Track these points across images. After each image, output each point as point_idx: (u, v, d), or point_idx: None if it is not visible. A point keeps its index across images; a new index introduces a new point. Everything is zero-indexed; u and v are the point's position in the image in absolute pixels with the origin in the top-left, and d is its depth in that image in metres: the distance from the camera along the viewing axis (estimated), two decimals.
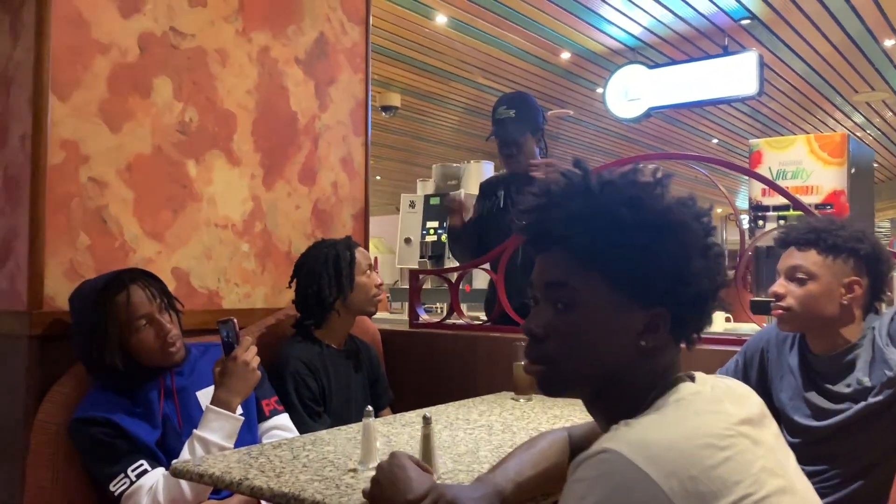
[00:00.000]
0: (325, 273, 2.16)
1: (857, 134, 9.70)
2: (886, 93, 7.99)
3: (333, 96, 2.76)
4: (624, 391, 0.89)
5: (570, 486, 0.77)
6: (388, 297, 5.53)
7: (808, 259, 1.64)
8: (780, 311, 1.66)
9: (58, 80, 1.95)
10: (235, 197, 2.40)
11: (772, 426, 0.90)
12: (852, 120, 9.15)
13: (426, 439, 1.27)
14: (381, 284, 2.28)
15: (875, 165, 10.81)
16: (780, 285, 1.67)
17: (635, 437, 0.78)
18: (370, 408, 1.38)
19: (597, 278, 0.87)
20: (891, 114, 8.95)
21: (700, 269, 0.86)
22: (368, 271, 2.23)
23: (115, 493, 1.61)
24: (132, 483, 1.61)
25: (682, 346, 0.92)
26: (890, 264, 1.66)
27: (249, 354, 1.74)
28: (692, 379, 0.90)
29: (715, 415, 0.83)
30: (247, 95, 2.44)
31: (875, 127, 9.56)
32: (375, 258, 4.76)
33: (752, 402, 0.90)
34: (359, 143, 2.88)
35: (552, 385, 0.91)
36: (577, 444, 1.19)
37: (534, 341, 0.91)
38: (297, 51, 2.62)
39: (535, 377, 0.92)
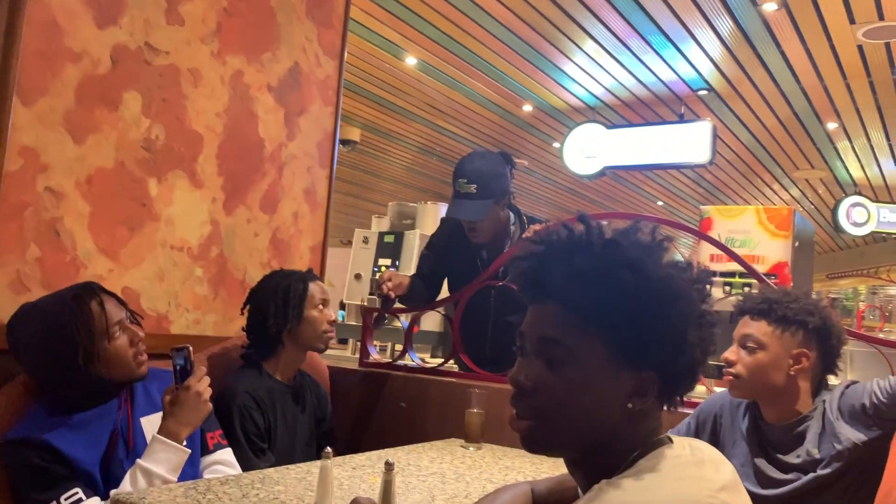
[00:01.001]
0: (272, 303, 2.12)
1: (794, 207, 10.10)
2: (824, 171, 8.37)
3: (302, 126, 2.75)
4: (607, 452, 0.88)
5: None
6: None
7: (759, 329, 1.68)
8: (730, 378, 1.70)
9: (24, 85, 1.88)
10: (194, 219, 2.35)
11: (744, 493, 0.90)
12: (790, 193, 9.55)
13: (387, 486, 1.24)
14: (334, 321, 2.23)
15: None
16: (731, 352, 1.70)
17: (619, 501, 0.77)
18: (329, 449, 1.34)
19: (593, 338, 0.86)
20: (825, 190, 9.36)
21: (695, 338, 0.87)
22: (321, 306, 2.18)
23: None
24: None
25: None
26: (840, 339, 1.70)
27: (203, 385, 1.68)
28: (671, 441, 0.90)
29: (697, 480, 0.83)
30: (216, 118, 2.41)
31: (810, 202, 9.99)
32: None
33: (727, 468, 0.91)
34: (323, 176, 2.86)
35: (536, 442, 0.89)
36: (541, 501, 1.18)
37: (521, 394, 0.89)
38: (270, 78, 2.60)
39: (520, 432, 0.89)
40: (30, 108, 1.90)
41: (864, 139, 7.14)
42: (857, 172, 8.48)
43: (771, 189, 9.35)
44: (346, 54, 2.95)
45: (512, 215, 2.71)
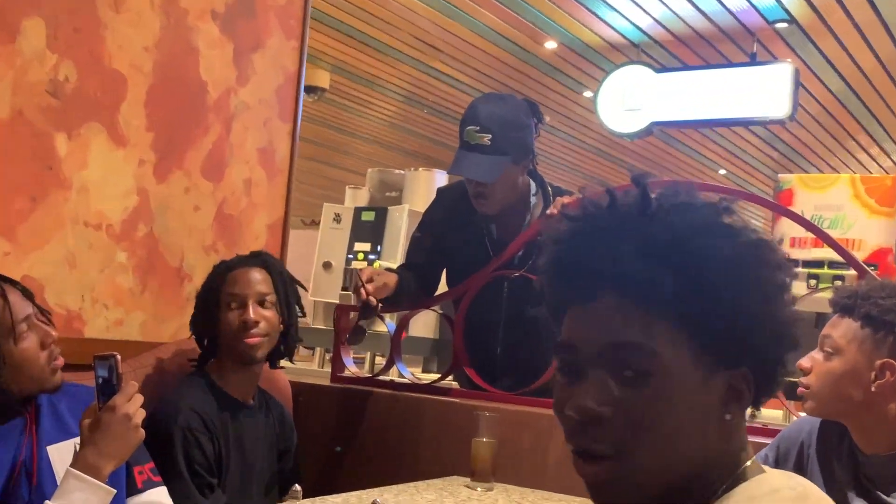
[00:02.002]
0: (199, 300, 2.22)
1: None
2: None
3: (257, 66, 2.75)
4: (699, 484, 0.88)
5: None
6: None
7: (841, 329, 1.70)
8: (802, 389, 1.72)
9: None
10: (116, 188, 2.36)
11: None
12: (892, 159, 9.55)
13: None
14: (248, 320, 2.15)
15: None
16: (808, 357, 1.74)
17: None
18: (298, 487, 1.34)
19: (674, 333, 0.85)
20: None
21: (787, 318, 0.89)
22: (229, 301, 2.15)
23: None
24: None
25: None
26: None
27: (133, 406, 1.67)
28: (762, 469, 0.91)
29: None
30: (143, 53, 2.41)
31: None
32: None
33: None
34: (284, 132, 2.87)
35: (618, 488, 0.87)
36: None
37: (592, 425, 0.86)
38: (214, 2, 2.61)
39: (594, 478, 0.87)
40: None
41: None
42: None
43: (868, 154, 9.36)
44: None
45: (533, 185, 2.71)
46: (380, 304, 2.52)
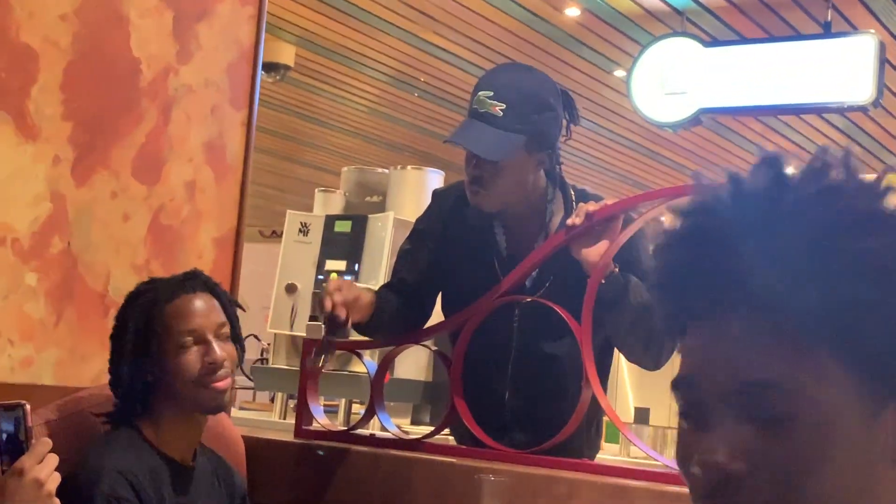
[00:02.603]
0: (122, 345, 2.16)
1: None
2: None
3: (203, 39, 2.78)
4: None
5: None
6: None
7: None
8: None
9: None
10: (24, 192, 2.39)
11: None
12: None
13: None
14: (217, 360, 2.18)
15: None
16: None
17: None
18: None
19: (827, 363, 0.83)
20: None
21: None
22: (184, 339, 2.16)
23: None
24: None
25: None
26: None
27: (45, 470, 1.69)
28: None
29: None
30: (60, 23, 2.44)
31: None
32: None
33: None
34: (237, 121, 2.89)
35: None
36: None
37: (723, 486, 0.84)
38: None
39: None
40: None
41: None
42: None
43: None
44: None
45: (553, 189, 2.71)
46: (348, 322, 2.51)
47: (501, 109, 2.53)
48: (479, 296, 2.62)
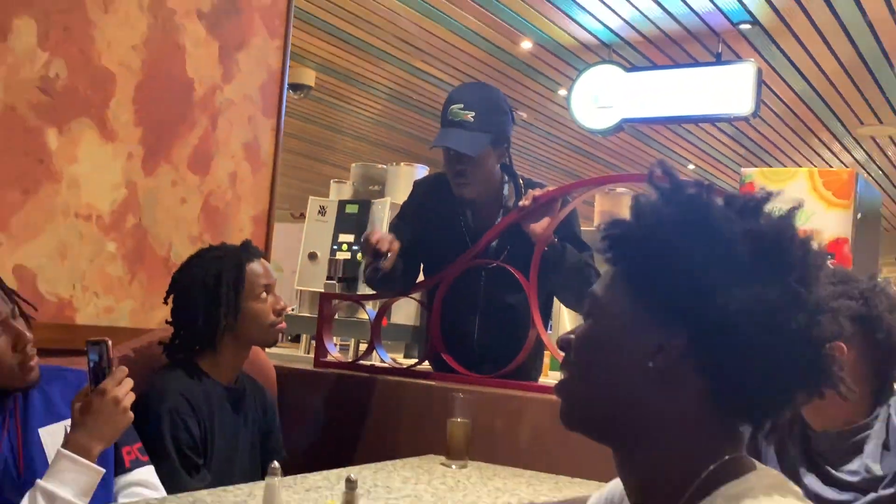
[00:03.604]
0: (201, 297, 2.11)
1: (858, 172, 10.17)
2: (895, 127, 8.44)
3: (242, 65, 2.75)
4: (650, 440, 0.92)
5: None
6: None
7: None
8: None
9: None
10: (105, 181, 2.36)
11: None
12: (852, 155, 9.62)
13: None
14: (283, 309, 2.22)
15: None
16: None
17: None
18: (276, 464, 1.35)
19: (621, 284, 0.96)
20: (895, 151, 9.45)
21: (746, 302, 0.87)
22: (264, 294, 2.17)
23: None
24: None
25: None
26: (890, 333, 1.69)
27: (122, 389, 1.68)
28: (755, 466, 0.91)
29: None
30: (132, 52, 2.40)
31: (877, 166, 10.08)
32: None
33: None
34: (268, 127, 2.86)
35: (571, 400, 0.99)
36: None
37: (565, 346, 1.01)
38: (200, 2, 2.60)
39: (556, 393, 1.01)
40: None
41: None
42: None
43: (830, 150, 9.43)
44: None
45: (507, 178, 2.71)
46: (387, 255, 2.47)
47: (472, 116, 2.53)
48: (452, 260, 2.62)
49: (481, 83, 2.82)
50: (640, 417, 0.92)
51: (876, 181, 10.61)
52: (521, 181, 2.71)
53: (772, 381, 0.89)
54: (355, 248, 5.04)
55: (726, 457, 0.89)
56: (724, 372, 0.89)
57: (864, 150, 9.45)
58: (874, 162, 9.92)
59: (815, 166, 9.70)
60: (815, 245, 0.92)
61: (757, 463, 0.91)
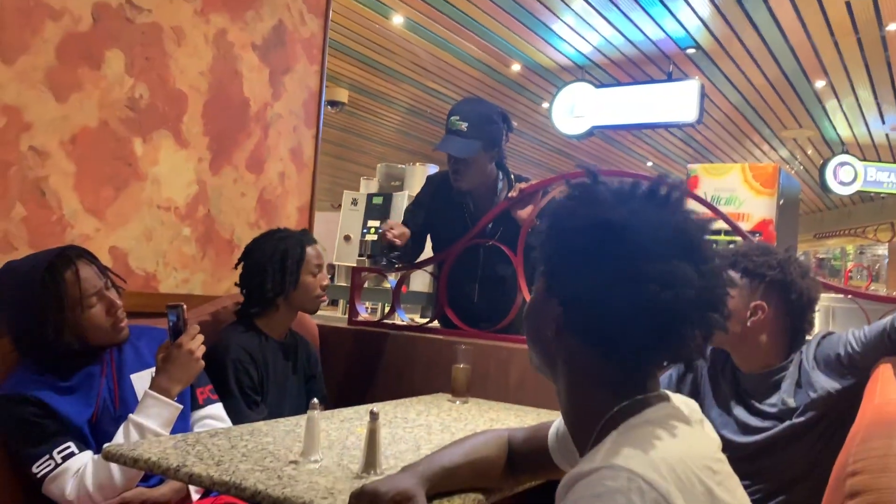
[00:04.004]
0: (270, 267, 2.12)
1: (782, 167, 10.13)
2: (812, 131, 8.38)
3: (287, 85, 2.73)
4: (569, 388, 0.91)
5: None
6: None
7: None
8: None
9: (3, 42, 1.87)
10: (180, 179, 2.35)
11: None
12: (778, 153, 9.56)
13: (372, 434, 1.27)
14: (327, 286, 2.24)
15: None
16: None
17: (637, 453, 0.76)
18: (316, 400, 1.36)
19: (540, 269, 0.95)
20: (813, 150, 9.38)
21: (601, 278, 0.84)
22: (316, 271, 2.19)
23: (38, 475, 1.55)
24: (57, 465, 1.55)
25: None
26: (804, 294, 1.69)
27: (195, 343, 1.70)
28: (667, 398, 0.89)
29: (705, 439, 0.86)
30: (200, 77, 2.39)
31: (798, 162, 10.02)
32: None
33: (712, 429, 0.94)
34: (309, 136, 2.85)
35: (529, 355, 0.99)
36: (518, 446, 1.21)
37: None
38: (254, 36, 2.58)
39: None
40: (10, 65, 1.88)
41: (852, 97, 7.14)
42: (844, 131, 8.49)
43: (760, 150, 9.37)
44: (331, 12, 2.92)
45: (501, 174, 2.71)
46: (397, 242, 2.54)
47: (465, 126, 2.52)
48: (457, 239, 2.63)
49: (478, 99, 2.78)
50: (558, 370, 0.92)
51: (797, 175, 10.55)
52: (513, 176, 2.71)
53: (634, 341, 0.85)
54: (380, 230, 5.05)
55: (638, 397, 0.86)
56: (595, 334, 0.87)
57: (787, 150, 9.38)
58: (796, 158, 9.86)
59: (748, 162, 9.66)
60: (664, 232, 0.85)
61: (667, 399, 0.88)
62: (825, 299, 3.75)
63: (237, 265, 2.19)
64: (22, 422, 1.57)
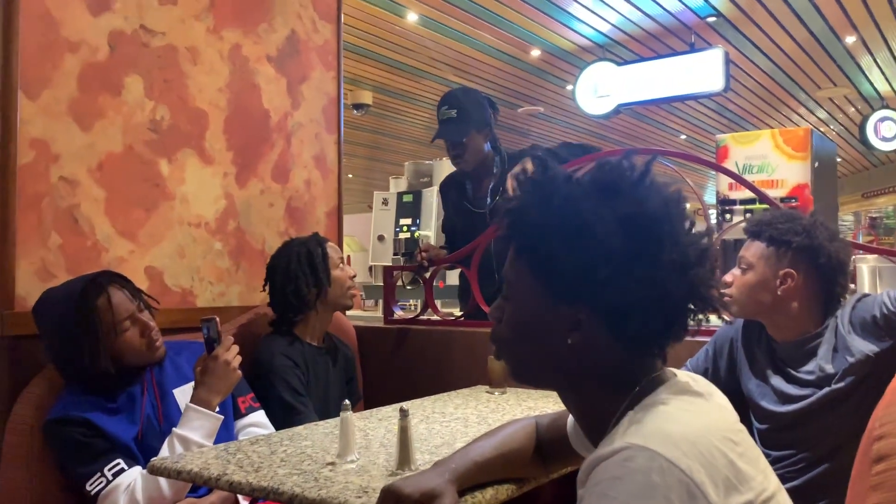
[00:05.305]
0: (300, 272, 2.16)
1: (821, 129, 9.88)
2: (848, 88, 8.15)
3: (306, 94, 2.76)
4: (583, 388, 0.89)
5: (592, 490, 0.73)
6: (361, 295, 5.52)
7: (751, 250, 1.72)
8: (727, 298, 1.73)
9: (27, 78, 1.93)
10: (208, 195, 2.39)
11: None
12: (816, 115, 9.32)
13: (403, 432, 1.29)
14: (354, 276, 2.29)
15: (838, 160, 11.02)
16: (730, 274, 1.74)
17: (655, 431, 0.75)
18: (347, 402, 1.39)
19: (525, 271, 0.88)
20: (853, 109, 9.13)
21: (644, 276, 0.82)
22: (341, 265, 2.24)
23: (92, 493, 1.60)
24: (109, 482, 1.60)
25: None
26: (833, 258, 1.66)
27: (231, 354, 1.74)
28: (674, 375, 0.89)
29: (722, 411, 0.85)
30: (218, 93, 2.43)
31: (838, 122, 9.75)
32: (348, 256, 4.75)
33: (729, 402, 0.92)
34: (331, 141, 2.88)
35: (511, 368, 0.94)
36: (543, 434, 1.21)
37: (494, 314, 0.95)
38: (268, 48, 2.62)
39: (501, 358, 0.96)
40: (35, 100, 1.95)
41: (885, 51, 6.93)
42: (882, 86, 8.23)
43: (797, 113, 9.14)
44: (343, 17, 2.94)
45: (494, 153, 2.81)
46: (429, 264, 2.74)
47: (455, 113, 2.72)
48: (462, 225, 2.82)
49: (462, 88, 2.91)
50: (566, 375, 0.89)
51: (838, 135, 10.28)
52: (507, 155, 2.81)
53: (659, 324, 0.84)
54: (413, 228, 5.07)
55: (652, 375, 0.86)
56: (614, 329, 0.85)
57: (825, 111, 9.15)
58: (836, 119, 9.60)
59: (784, 127, 9.43)
60: (681, 217, 0.84)
61: (673, 375, 0.87)
62: (870, 259, 3.65)
63: (264, 287, 2.22)
64: (72, 442, 1.63)
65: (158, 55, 2.24)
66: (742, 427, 0.84)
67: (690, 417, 0.79)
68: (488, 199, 2.77)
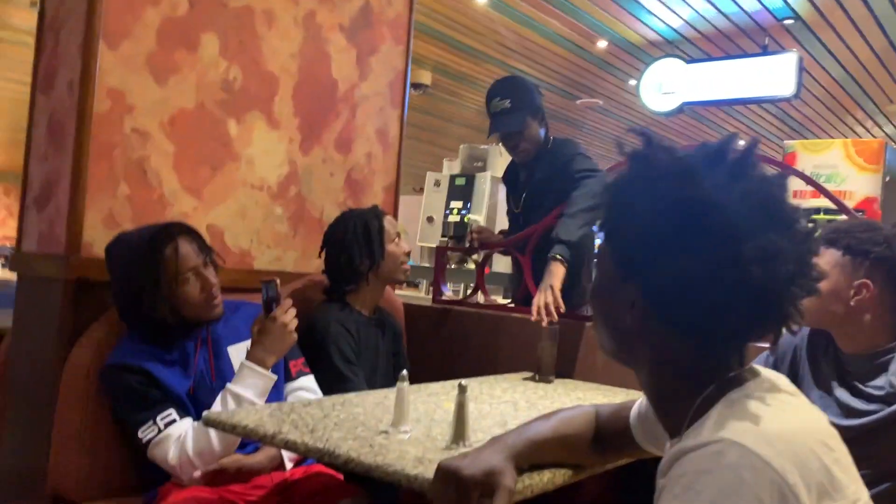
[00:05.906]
0: (355, 243, 2.17)
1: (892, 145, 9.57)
2: None
3: (374, 66, 2.76)
4: (655, 372, 0.88)
5: (676, 482, 0.70)
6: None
7: (826, 258, 1.65)
8: None
9: (108, 29, 1.96)
10: (273, 160, 2.41)
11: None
12: (883, 130, 9.04)
13: (460, 407, 1.28)
14: (408, 252, 2.29)
15: None
16: None
17: (749, 427, 0.72)
18: (405, 372, 1.39)
19: (604, 245, 0.90)
20: None
21: (671, 259, 0.79)
22: (397, 240, 2.24)
23: (143, 440, 1.64)
24: (160, 431, 1.63)
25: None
26: None
27: (288, 316, 1.75)
28: (760, 372, 0.86)
29: (815, 412, 0.82)
30: (290, 59, 2.44)
31: None
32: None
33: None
34: (395, 116, 2.87)
35: (598, 340, 0.95)
36: (603, 423, 1.19)
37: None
38: (342, 18, 2.62)
39: None
40: (115, 51, 1.98)
41: None
42: None
43: (863, 126, 8.87)
44: None
45: (546, 139, 2.78)
46: (480, 247, 2.76)
47: (508, 103, 2.66)
48: (514, 210, 2.83)
49: (509, 77, 2.89)
50: (638, 354, 0.88)
51: None
52: (555, 140, 2.79)
53: (729, 325, 0.80)
54: (464, 212, 5.06)
55: (732, 373, 0.82)
56: (685, 321, 0.82)
57: (893, 125, 8.86)
58: None
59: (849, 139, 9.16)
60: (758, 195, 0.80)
61: (760, 373, 0.84)
62: None
63: (320, 253, 2.24)
64: (128, 389, 1.66)
65: (236, 15, 2.26)
66: (835, 432, 0.81)
67: (787, 416, 0.76)
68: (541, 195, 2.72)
